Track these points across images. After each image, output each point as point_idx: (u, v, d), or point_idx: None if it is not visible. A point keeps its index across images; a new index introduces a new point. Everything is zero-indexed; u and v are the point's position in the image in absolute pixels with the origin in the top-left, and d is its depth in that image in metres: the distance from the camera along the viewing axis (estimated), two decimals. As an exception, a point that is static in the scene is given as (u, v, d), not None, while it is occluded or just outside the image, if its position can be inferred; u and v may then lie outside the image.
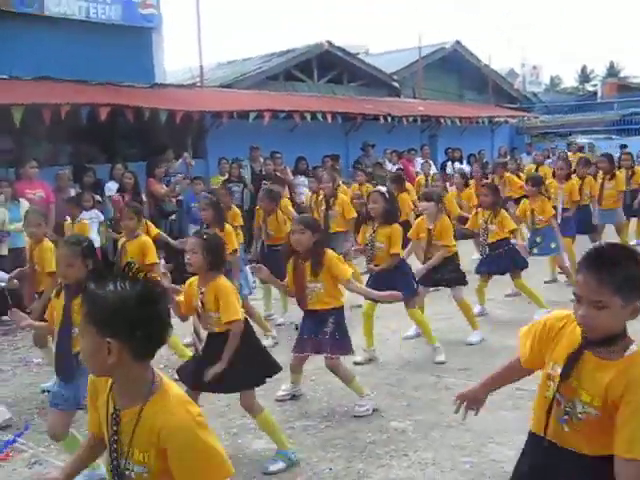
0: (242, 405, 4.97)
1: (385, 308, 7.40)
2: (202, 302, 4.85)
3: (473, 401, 3.11)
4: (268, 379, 5.09)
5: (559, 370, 2.67)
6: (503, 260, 8.36)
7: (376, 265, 7.00)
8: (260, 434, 5.39)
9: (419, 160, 17.65)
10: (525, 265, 8.46)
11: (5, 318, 8.87)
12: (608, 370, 2.55)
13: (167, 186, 12.68)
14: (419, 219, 7.87)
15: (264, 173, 14.23)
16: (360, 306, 7.58)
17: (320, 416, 5.77)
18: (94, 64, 13.65)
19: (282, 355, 6.05)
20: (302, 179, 14.82)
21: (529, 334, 2.88)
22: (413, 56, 22.76)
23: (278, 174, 14.22)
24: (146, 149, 14.41)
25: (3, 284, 7.26)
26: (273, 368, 5.07)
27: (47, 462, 5.06)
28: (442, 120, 20.95)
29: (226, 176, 13.73)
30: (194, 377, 4.89)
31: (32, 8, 13.12)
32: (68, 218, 9.90)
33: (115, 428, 2.38)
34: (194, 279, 5.01)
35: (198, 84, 16.91)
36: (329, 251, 5.69)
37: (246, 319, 5.01)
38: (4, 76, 12.47)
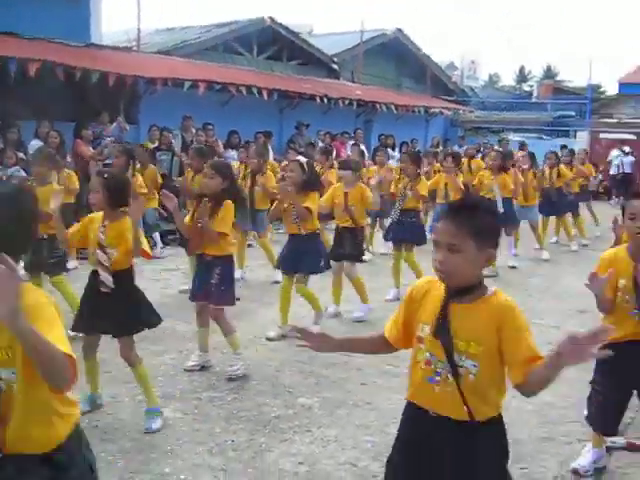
0: (121, 354, 5.10)
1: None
2: (102, 236, 4.92)
3: (312, 338, 2.94)
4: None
5: (428, 330, 2.74)
6: (409, 230, 8.76)
7: (291, 235, 7.14)
8: (165, 403, 5.39)
9: (351, 143, 17.70)
10: (423, 241, 8.79)
11: None
12: (475, 312, 2.67)
13: (94, 149, 12.45)
14: (335, 185, 8.19)
15: (195, 144, 14.06)
16: (277, 282, 7.61)
17: (228, 388, 5.76)
18: (27, 18, 13.24)
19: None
20: (232, 153, 14.69)
21: (399, 308, 2.94)
22: (355, 40, 22.78)
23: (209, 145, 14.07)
24: (76, 110, 14.08)
25: None
26: (154, 319, 5.24)
27: None
28: (378, 106, 21.05)
29: (156, 144, 13.55)
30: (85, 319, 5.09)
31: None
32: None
33: None
34: (97, 214, 5.07)
35: (135, 48, 16.58)
36: (229, 202, 5.88)
37: (132, 268, 5.13)
38: None
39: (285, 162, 13.12)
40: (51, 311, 2.38)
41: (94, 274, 5.01)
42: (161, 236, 11.79)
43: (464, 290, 2.68)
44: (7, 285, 2.13)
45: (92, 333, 5.19)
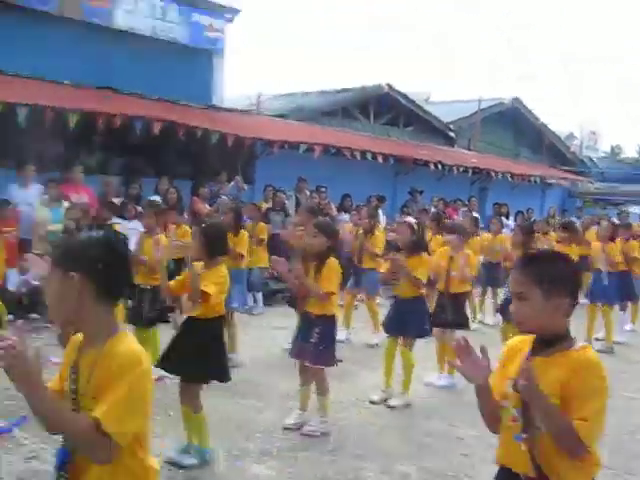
0: (184, 400, 5.16)
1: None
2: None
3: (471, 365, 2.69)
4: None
5: (511, 385, 2.67)
6: None
7: (397, 297, 7.04)
8: (260, 459, 5.33)
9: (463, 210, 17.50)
10: None
11: (33, 315, 8.96)
12: (557, 366, 2.58)
13: (211, 206, 12.77)
14: (442, 248, 8.04)
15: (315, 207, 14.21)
16: (372, 346, 7.52)
17: (326, 450, 5.65)
18: (154, 80, 13.88)
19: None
20: (345, 216, 14.76)
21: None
22: (472, 108, 22.72)
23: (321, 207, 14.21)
24: (195, 169, 14.56)
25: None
26: (226, 375, 5.30)
27: (44, 458, 5.03)
28: (494, 174, 20.82)
29: (270, 203, 13.78)
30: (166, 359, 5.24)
31: (101, 19, 13.44)
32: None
33: (74, 377, 2.40)
34: (199, 264, 5.22)
35: (254, 111, 17.08)
36: (333, 260, 5.85)
37: (221, 320, 5.27)
38: (67, 82, 12.73)
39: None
40: (130, 380, 2.29)
41: (187, 321, 5.13)
42: (272, 294, 11.89)
43: (547, 342, 2.65)
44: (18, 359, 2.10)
45: (173, 372, 5.31)
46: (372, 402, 6.93)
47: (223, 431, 5.85)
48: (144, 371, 2.33)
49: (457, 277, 7.55)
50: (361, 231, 10.17)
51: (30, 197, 10.31)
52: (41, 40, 12.82)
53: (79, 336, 2.48)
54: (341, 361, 8.27)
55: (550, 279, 2.63)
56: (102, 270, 2.37)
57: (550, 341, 2.65)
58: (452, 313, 7.55)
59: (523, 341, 2.80)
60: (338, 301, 6.17)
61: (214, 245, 5.14)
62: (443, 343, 7.68)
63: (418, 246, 6.93)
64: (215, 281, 5.06)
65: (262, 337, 9.45)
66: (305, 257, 6.02)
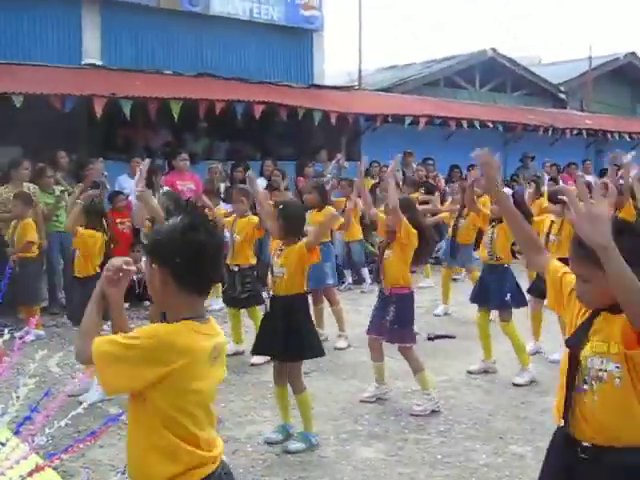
0: (288, 379, 5.16)
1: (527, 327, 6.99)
2: (277, 257, 5.15)
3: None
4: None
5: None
6: None
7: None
8: (368, 442, 5.24)
9: (582, 174, 16.77)
10: None
11: (146, 303, 9.14)
12: (620, 319, 2.42)
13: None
14: (543, 216, 7.69)
15: (416, 179, 13.96)
16: (491, 321, 7.25)
17: (436, 431, 5.49)
18: (253, 63, 13.96)
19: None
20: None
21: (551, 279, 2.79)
22: (583, 67, 21.72)
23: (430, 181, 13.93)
24: (299, 149, 14.55)
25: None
26: (316, 350, 5.25)
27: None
28: (610, 135, 19.86)
29: (376, 179, 13.60)
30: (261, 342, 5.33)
31: (198, 7, 13.56)
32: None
33: None
34: (276, 242, 5.34)
35: (356, 87, 16.89)
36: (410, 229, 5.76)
37: (306, 296, 5.28)
38: (168, 72, 12.93)
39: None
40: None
41: (272, 299, 5.18)
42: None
43: (612, 306, 2.47)
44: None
45: (271, 356, 5.38)
46: (469, 372, 6.80)
47: (330, 414, 5.79)
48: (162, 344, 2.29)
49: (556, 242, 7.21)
50: (457, 206, 9.88)
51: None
52: (141, 32, 13.07)
53: None
54: (454, 337, 8.14)
55: None
56: (180, 264, 2.33)
57: (613, 305, 2.45)
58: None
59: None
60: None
61: (292, 225, 5.16)
62: (538, 312, 7.39)
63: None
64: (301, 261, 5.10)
65: (365, 316, 9.29)
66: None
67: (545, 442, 5.09)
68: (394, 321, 5.82)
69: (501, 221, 6.57)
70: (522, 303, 6.93)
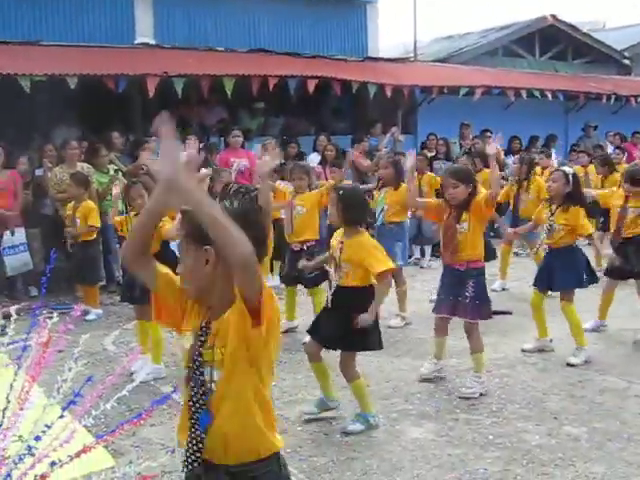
0: (340, 368, 5.07)
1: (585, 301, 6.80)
2: (340, 252, 4.95)
3: None
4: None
5: None
6: None
7: (550, 248, 6.56)
8: (418, 422, 5.17)
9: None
10: None
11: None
12: None
13: (371, 160, 12.57)
14: (613, 189, 7.54)
15: (473, 151, 13.71)
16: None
17: (488, 410, 5.38)
18: (308, 37, 13.86)
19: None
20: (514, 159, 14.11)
21: None
22: (649, 31, 20.98)
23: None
24: (354, 123, 14.41)
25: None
26: (379, 343, 5.11)
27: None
28: (677, 101, 19.12)
29: (433, 152, 13.41)
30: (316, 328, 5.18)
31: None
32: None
33: (202, 339, 2.45)
34: (339, 232, 5.13)
35: (411, 59, 16.63)
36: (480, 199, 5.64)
37: (372, 288, 5.00)
38: (220, 49, 12.91)
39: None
40: None
41: (336, 289, 5.03)
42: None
43: None
44: (171, 149, 2.19)
45: (319, 342, 5.18)
46: (524, 350, 6.63)
47: (380, 393, 5.74)
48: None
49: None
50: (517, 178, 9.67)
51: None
52: (193, 10, 13.08)
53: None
54: (511, 313, 7.98)
55: None
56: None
57: None
58: (637, 260, 6.94)
59: None
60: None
61: (352, 211, 4.95)
62: (611, 293, 7.16)
63: (572, 198, 6.41)
64: (376, 252, 4.93)
65: (421, 292, 9.22)
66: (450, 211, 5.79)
67: (602, 423, 5.04)
68: (475, 297, 5.62)
69: (562, 204, 6.40)
70: (594, 280, 6.70)
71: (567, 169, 6.80)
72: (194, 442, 2.45)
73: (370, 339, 5.03)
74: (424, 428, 5.08)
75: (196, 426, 2.44)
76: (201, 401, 2.43)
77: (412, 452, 4.70)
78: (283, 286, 7.84)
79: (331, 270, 5.03)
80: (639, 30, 21.66)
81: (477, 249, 5.73)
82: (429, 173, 11.04)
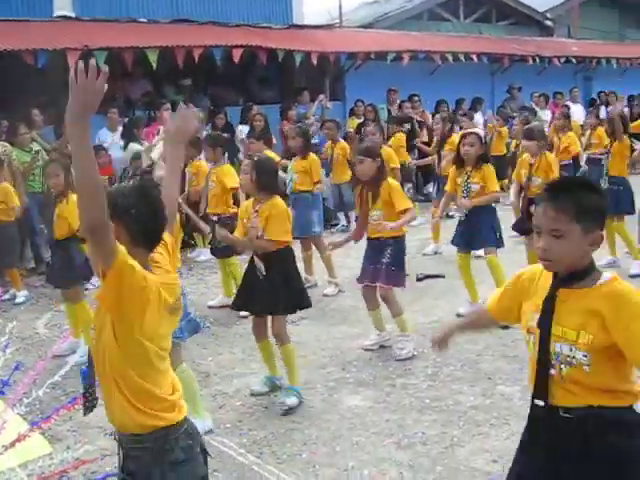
0: (273, 331, 5.08)
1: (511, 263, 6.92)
2: (257, 223, 4.99)
3: (441, 342, 3.07)
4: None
5: (537, 318, 2.52)
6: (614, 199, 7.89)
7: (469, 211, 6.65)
8: (356, 390, 5.23)
9: (569, 104, 16.55)
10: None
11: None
12: (586, 297, 2.42)
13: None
14: (521, 158, 7.56)
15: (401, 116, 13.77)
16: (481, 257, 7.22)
17: (424, 374, 5.47)
18: (230, 6, 13.61)
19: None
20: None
21: (505, 286, 2.82)
22: (570, -8, 21.29)
23: (417, 117, 13.77)
24: (282, 92, 14.31)
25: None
26: (306, 301, 5.17)
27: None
28: (598, 61, 19.53)
29: (362, 119, 13.43)
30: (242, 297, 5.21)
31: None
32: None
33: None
34: (248, 202, 5.23)
35: (337, 25, 16.55)
36: (389, 180, 5.82)
37: (290, 248, 5.11)
38: (143, 19, 12.62)
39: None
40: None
41: (253, 258, 5.07)
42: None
43: (574, 275, 2.45)
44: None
45: (252, 312, 5.25)
46: (458, 315, 6.67)
47: (318, 362, 5.78)
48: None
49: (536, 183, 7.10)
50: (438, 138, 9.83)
51: (118, 140, 10.37)
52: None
53: None
54: (444, 276, 8.09)
55: (586, 211, 2.40)
56: (131, 217, 2.52)
57: (578, 275, 2.46)
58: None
59: (538, 272, 2.62)
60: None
61: (266, 178, 5.00)
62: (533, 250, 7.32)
63: (483, 157, 6.63)
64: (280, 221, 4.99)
65: (354, 259, 9.25)
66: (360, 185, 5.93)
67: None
68: (391, 263, 5.75)
69: (475, 166, 6.52)
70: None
71: (479, 131, 6.94)
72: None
73: (299, 297, 5.11)
74: (362, 395, 5.14)
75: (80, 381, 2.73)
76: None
77: (350, 420, 4.75)
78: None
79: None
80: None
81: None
82: (342, 142, 10.98)
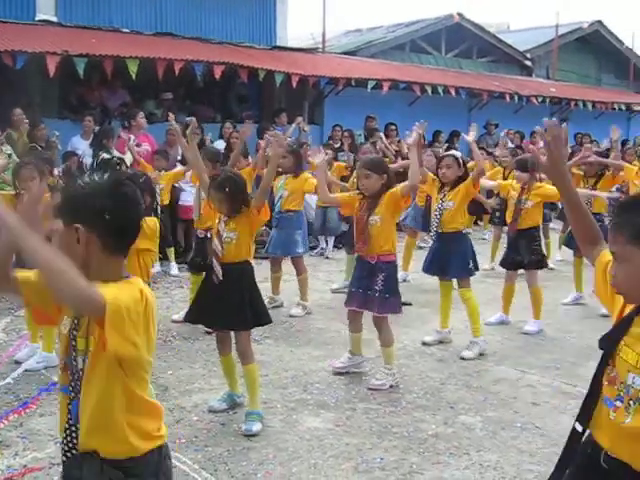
0: (238, 349, 4.96)
1: (479, 293, 6.89)
2: (224, 225, 4.93)
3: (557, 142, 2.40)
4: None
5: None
6: None
7: (443, 232, 6.58)
8: (316, 411, 5.14)
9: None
10: None
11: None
12: None
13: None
14: (508, 182, 7.70)
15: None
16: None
17: (386, 400, 5.40)
18: (215, 23, 13.62)
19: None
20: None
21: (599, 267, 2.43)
22: (550, 35, 21.59)
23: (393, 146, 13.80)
24: (260, 111, 14.29)
25: None
26: (266, 317, 5.04)
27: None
28: (574, 104, 19.79)
29: (338, 144, 13.43)
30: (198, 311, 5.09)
31: (158, -36, 13.18)
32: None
33: (77, 325, 2.26)
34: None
35: (320, 50, 16.61)
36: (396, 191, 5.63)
37: (250, 263, 5.04)
38: (125, 30, 12.57)
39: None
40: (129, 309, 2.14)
41: (211, 266, 4.99)
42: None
43: None
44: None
45: (207, 325, 5.27)
46: (425, 343, 6.66)
47: (279, 382, 5.69)
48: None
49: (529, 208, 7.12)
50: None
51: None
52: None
53: None
54: (411, 304, 8.04)
55: None
56: (106, 221, 2.20)
57: None
58: (526, 252, 7.11)
59: None
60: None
61: (237, 197, 4.91)
62: (512, 284, 7.32)
63: (462, 179, 6.52)
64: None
65: (324, 282, 9.23)
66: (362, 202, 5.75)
67: (496, 412, 5.11)
68: (384, 290, 5.56)
69: (453, 187, 6.49)
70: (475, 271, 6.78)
71: (455, 152, 6.94)
72: (68, 432, 2.29)
73: (260, 313, 5.01)
74: (322, 417, 5.05)
75: (70, 415, 2.28)
76: (77, 389, 2.26)
77: (309, 441, 4.66)
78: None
79: (217, 247, 4.94)
80: (540, 33, 22.32)
81: (388, 243, 5.65)
82: (338, 162, 11.07)
